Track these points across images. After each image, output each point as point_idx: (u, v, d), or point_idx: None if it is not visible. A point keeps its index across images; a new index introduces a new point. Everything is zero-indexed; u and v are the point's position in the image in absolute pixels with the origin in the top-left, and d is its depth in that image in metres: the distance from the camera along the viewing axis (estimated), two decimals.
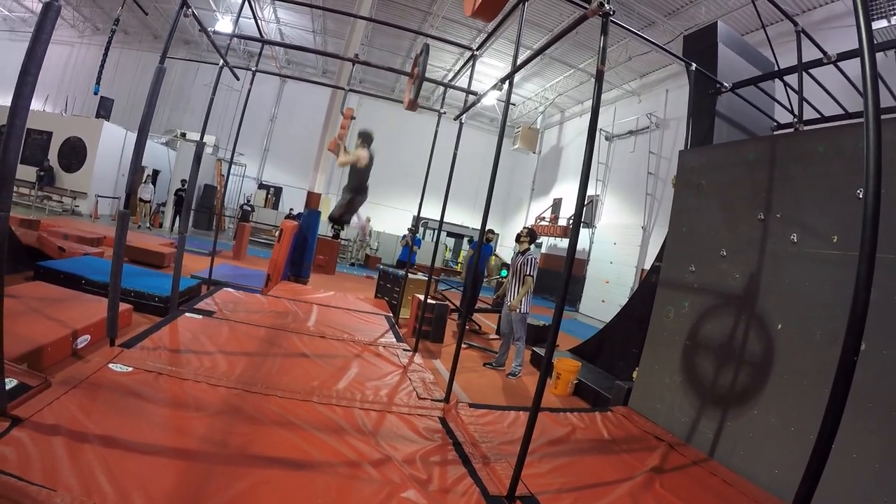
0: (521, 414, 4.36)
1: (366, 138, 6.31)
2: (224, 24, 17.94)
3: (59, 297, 5.10)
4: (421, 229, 21.79)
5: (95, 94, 5.61)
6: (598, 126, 16.94)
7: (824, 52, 5.44)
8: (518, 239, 6.93)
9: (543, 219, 21.12)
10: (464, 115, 6.35)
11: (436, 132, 7.41)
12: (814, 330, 3.76)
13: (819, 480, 2.05)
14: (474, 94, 6.25)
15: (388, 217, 23.32)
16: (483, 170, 23.25)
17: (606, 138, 18.74)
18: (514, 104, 22.50)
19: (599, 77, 2.80)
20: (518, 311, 6.58)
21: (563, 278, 2.82)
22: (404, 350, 5.93)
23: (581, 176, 2.83)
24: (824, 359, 3.56)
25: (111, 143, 18.10)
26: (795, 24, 5.66)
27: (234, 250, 13.74)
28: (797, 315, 3.95)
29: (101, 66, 4.74)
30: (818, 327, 3.73)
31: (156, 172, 19.96)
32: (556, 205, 21.73)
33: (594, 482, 3.34)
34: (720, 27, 6.66)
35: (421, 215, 8.19)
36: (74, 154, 17.86)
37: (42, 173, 17.03)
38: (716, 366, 4.58)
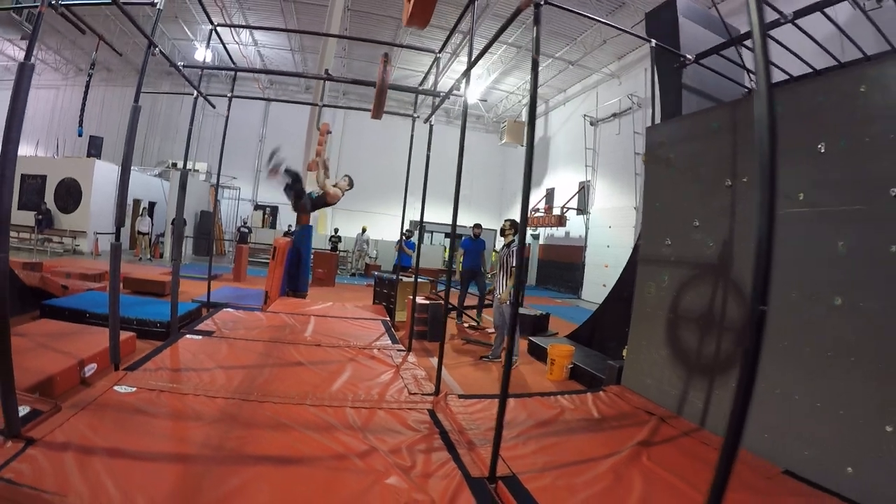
0: (512, 400, 4.50)
1: (350, 183, 6.82)
2: (203, 53, 18.18)
3: (64, 331, 5.30)
4: (417, 233, 21.99)
5: (80, 136, 5.77)
6: (583, 112, 17.12)
7: (780, 12, 5.61)
8: (503, 232, 7.08)
9: (538, 210, 21.28)
10: (433, 117, 6.53)
11: (412, 136, 7.59)
12: (789, 290, 3.79)
13: (742, 433, 2.14)
14: (437, 94, 6.44)
15: (384, 224, 23.48)
16: (474, 167, 23.46)
17: (591, 123, 18.91)
18: (484, 100, 22.71)
19: (534, 66, 2.98)
20: (508, 302, 6.71)
21: (518, 264, 2.96)
22: (398, 350, 6.10)
23: (524, 166, 3.00)
24: (802, 317, 3.68)
25: (105, 179, 18.29)
26: None
27: (234, 272, 13.96)
28: (772, 276, 4.04)
29: (83, 108, 4.93)
30: (793, 286, 3.78)
31: (152, 205, 20.20)
32: (549, 194, 21.90)
33: (579, 459, 3.44)
34: (679, 1, 6.81)
35: (415, 219, 8.34)
36: (70, 195, 18.11)
37: (40, 217, 17.30)
38: (699, 336, 4.69)
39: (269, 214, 24.00)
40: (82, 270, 10.32)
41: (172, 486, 2.56)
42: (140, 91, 4.37)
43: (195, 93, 6.02)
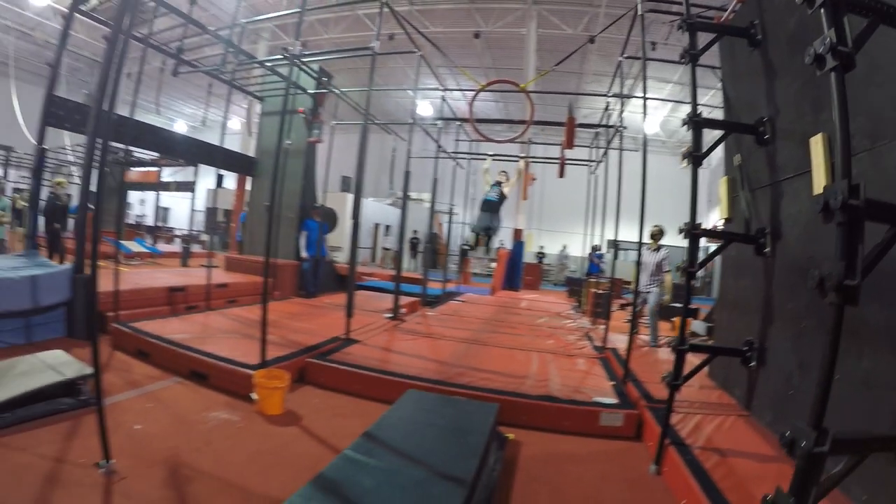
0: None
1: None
2: (424, 107, 22.39)
3: (379, 296, 9.54)
4: (613, 249, 24.59)
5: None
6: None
7: None
8: (652, 237, 8.52)
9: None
10: (616, 146, 8.86)
11: (588, 180, 10.93)
12: None
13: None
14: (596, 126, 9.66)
15: (577, 242, 26.50)
16: (661, 188, 25.44)
17: None
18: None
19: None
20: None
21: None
22: (578, 315, 9.59)
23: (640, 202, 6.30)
24: None
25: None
26: None
27: (463, 277, 18.38)
28: None
29: (400, 181, 9.01)
30: None
31: (387, 227, 25.67)
32: None
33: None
34: None
35: (610, 238, 9.32)
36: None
37: None
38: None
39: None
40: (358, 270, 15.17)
41: (465, 334, 6.41)
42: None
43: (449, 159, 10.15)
